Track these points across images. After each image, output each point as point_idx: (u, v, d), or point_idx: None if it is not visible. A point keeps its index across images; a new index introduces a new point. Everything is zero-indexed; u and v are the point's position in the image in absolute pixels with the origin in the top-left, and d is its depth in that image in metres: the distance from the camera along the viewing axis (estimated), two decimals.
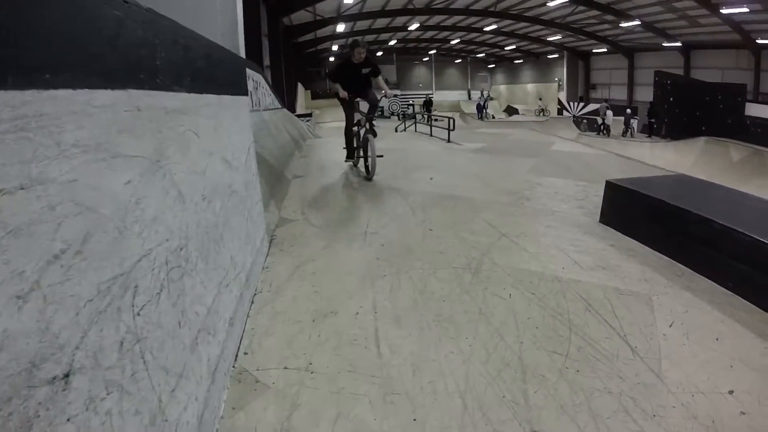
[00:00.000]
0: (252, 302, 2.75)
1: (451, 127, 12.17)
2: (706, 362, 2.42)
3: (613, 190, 4.31)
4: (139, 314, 1.41)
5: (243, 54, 4.48)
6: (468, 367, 2.24)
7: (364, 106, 6.33)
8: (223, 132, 2.69)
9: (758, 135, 17.73)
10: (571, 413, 2.00)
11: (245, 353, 2.29)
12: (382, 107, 30.93)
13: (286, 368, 2.18)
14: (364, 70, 6.22)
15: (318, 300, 2.83)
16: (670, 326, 2.71)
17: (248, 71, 6.45)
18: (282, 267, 3.28)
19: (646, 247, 3.81)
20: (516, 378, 2.18)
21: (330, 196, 5.28)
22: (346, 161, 6.83)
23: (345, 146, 6.76)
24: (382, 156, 6.04)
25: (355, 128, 6.60)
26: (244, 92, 3.96)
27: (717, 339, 2.63)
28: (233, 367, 2.17)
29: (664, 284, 3.22)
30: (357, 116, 6.48)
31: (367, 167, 6.27)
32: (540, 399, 2.07)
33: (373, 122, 6.11)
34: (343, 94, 6.12)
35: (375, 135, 6.06)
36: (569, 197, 5.46)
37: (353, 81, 6.22)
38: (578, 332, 2.57)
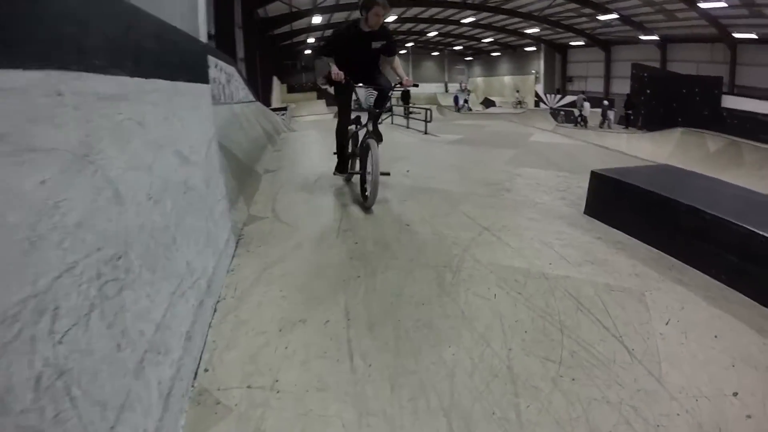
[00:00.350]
0: (215, 310, 2.49)
1: (428, 119, 12.00)
2: (706, 362, 2.27)
3: (599, 181, 4.16)
4: (61, 342, 1.18)
5: (204, 38, 4.21)
6: (452, 380, 2.04)
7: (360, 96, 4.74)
8: (176, 122, 2.44)
9: (734, 126, 18.30)
10: (568, 429, 1.82)
11: (206, 370, 2.04)
12: (357, 100, 30.27)
13: (249, 387, 1.95)
14: (376, 44, 4.46)
15: (286, 306, 2.60)
16: (667, 324, 2.55)
17: (221, 63, 6.14)
18: (248, 270, 3.02)
19: (634, 239, 3.67)
20: (506, 391, 1.99)
21: (302, 191, 5.02)
22: (335, 174, 5.02)
23: (335, 151, 4.98)
24: (388, 174, 4.54)
25: (352, 128, 4.95)
26: (205, 80, 3.71)
27: (716, 336, 2.49)
28: (192, 386, 1.93)
29: (656, 278, 3.07)
30: (357, 112, 4.86)
31: (364, 189, 4.44)
32: (533, 414, 1.88)
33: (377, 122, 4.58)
34: (338, 75, 4.24)
35: (380, 140, 4.41)
36: (551, 188, 5.31)
37: (356, 57, 4.46)
38: (571, 335, 2.39)
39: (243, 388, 1.95)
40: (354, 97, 4.73)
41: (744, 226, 2.97)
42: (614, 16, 26.72)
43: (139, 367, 1.53)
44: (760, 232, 2.88)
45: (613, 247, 3.52)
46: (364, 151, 4.44)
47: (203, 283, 2.37)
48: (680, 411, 1.95)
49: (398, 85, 4.60)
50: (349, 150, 4.98)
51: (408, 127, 13.21)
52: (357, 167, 4.75)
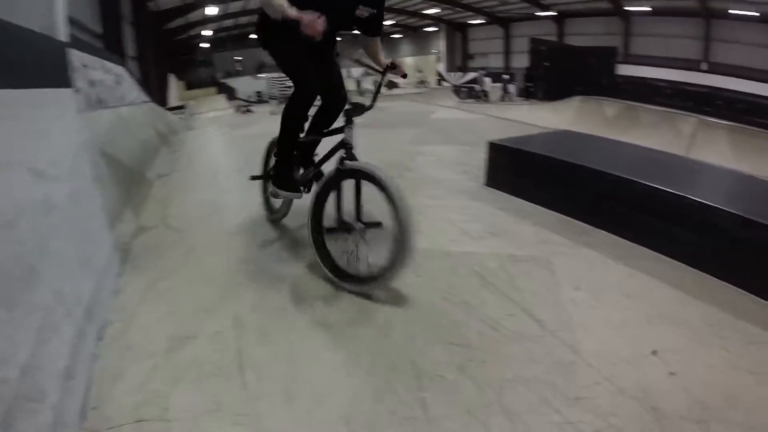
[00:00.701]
0: (100, 338, 2.16)
1: None
2: (622, 324, 2.24)
3: (497, 152, 4.13)
4: None
5: (64, 37, 3.76)
6: (352, 381, 1.85)
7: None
8: (29, 135, 2.20)
9: (629, 92, 19.91)
10: (481, 417, 1.67)
11: (93, 408, 1.75)
12: (259, 92, 29.47)
13: (140, 421, 1.68)
14: (362, 12, 2.80)
15: (174, 323, 2.31)
16: (577, 289, 2.51)
17: (108, 64, 5.61)
18: (135, 287, 2.68)
19: (538, 207, 3.68)
20: (410, 386, 1.82)
21: (197, 193, 4.66)
22: (274, 192, 2.98)
23: (255, 175, 3.32)
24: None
25: (302, 137, 2.97)
26: (65, 83, 3.29)
27: (628, 296, 2.49)
28: (81, 429, 1.64)
29: (561, 243, 3.07)
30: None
31: (341, 268, 2.59)
32: (442, 407, 1.71)
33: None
34: (314, 22, 2.31)
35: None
36: (452, 163, 5.29)
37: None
38: (476, 314, 2.28)
39: (133, 424, 1.68)
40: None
41: (646, 183, 3.01)
42: None
43: (7, 421, 1.34)
44: (662, 188, 2.93)
45: (516, 217, 3.50)
46: (332, 183, 2.61)
47: (80, 310, 2.07)
48: (600, 379, 1.87)
49: (390, 71, 3.03)
50: (300, 177, 3.02)
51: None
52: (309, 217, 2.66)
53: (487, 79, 25.43)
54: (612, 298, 2.45)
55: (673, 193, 2.91)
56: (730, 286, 2.60)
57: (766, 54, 20.90)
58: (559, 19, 29.86)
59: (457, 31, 38.70)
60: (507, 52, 34.19)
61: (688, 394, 1.80)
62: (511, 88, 24.91)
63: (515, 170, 3.99)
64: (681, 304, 2.43)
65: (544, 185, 3.69)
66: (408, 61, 43.19)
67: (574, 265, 2.78)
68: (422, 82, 37.56)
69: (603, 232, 3.22)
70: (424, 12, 35.80)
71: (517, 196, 3.88)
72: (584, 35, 27.95)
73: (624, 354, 2.02)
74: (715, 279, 2.67)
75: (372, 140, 7.38)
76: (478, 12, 33.51)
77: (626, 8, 25.75)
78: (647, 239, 3.03)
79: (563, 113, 16.79)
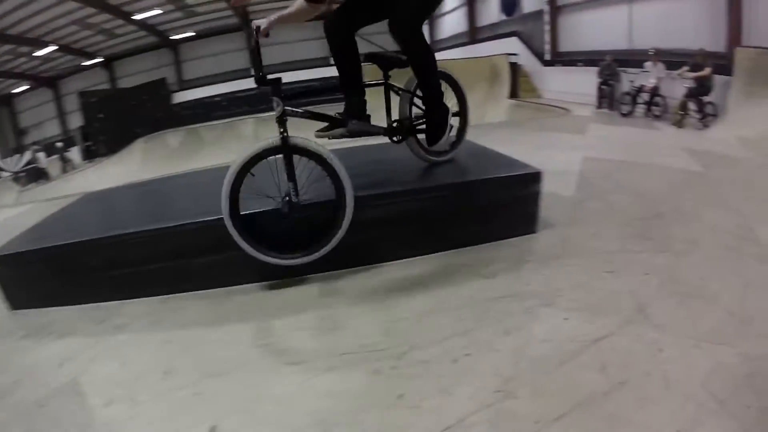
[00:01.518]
0: None
1: None
2: (165, 420, 2.00)
3: (4, 264, 3.36)
4: None
5: None
6: None
7: None
8: None
9: (189, 116, 21.16)
10: None
11: None
12: None
13: None
14: None
15: None
16: (109, 404, 2.14)
17: None
18: None
19: (70, 308, 3.15)
20: None
21: None
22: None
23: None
24: None
25: None
26: None
27: (166, 373, 2.30)
28: None
29: (88, 346, 2.64)
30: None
31: None
32: None
33: None
34: None
35: None
36: None
37: None
38: None
39: None
40: None
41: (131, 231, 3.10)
42: (52, 48, 25.05)
43: None
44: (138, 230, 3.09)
45: (39, 340, 2.85)
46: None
47: None
48: None
49: None
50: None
51: None
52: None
53: (41, 155, 20.94)
54: (150, 389, 2.18)
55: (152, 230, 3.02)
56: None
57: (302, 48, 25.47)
58: (108, 65, 28.70)
59: (0, 106, 33.39)
60: (62, 115, 31.02)
61: None
62: (72, 153, 22.20)
63: (30, 276, 3.28)
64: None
65: (63, 278, 3.21)
66: None
67: (106, 368, 2.40)
68: None
69: (132, 301, 3.02)
70: None
71: (53, 304, 3.22)
72: (137, 74, 27.64)
73: None
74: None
75: None
76: (20, 77, 29.15)
77: (172, 38, 26.82)
78: (173, 286, 3.04)
79: (129, 162, 16.07)
